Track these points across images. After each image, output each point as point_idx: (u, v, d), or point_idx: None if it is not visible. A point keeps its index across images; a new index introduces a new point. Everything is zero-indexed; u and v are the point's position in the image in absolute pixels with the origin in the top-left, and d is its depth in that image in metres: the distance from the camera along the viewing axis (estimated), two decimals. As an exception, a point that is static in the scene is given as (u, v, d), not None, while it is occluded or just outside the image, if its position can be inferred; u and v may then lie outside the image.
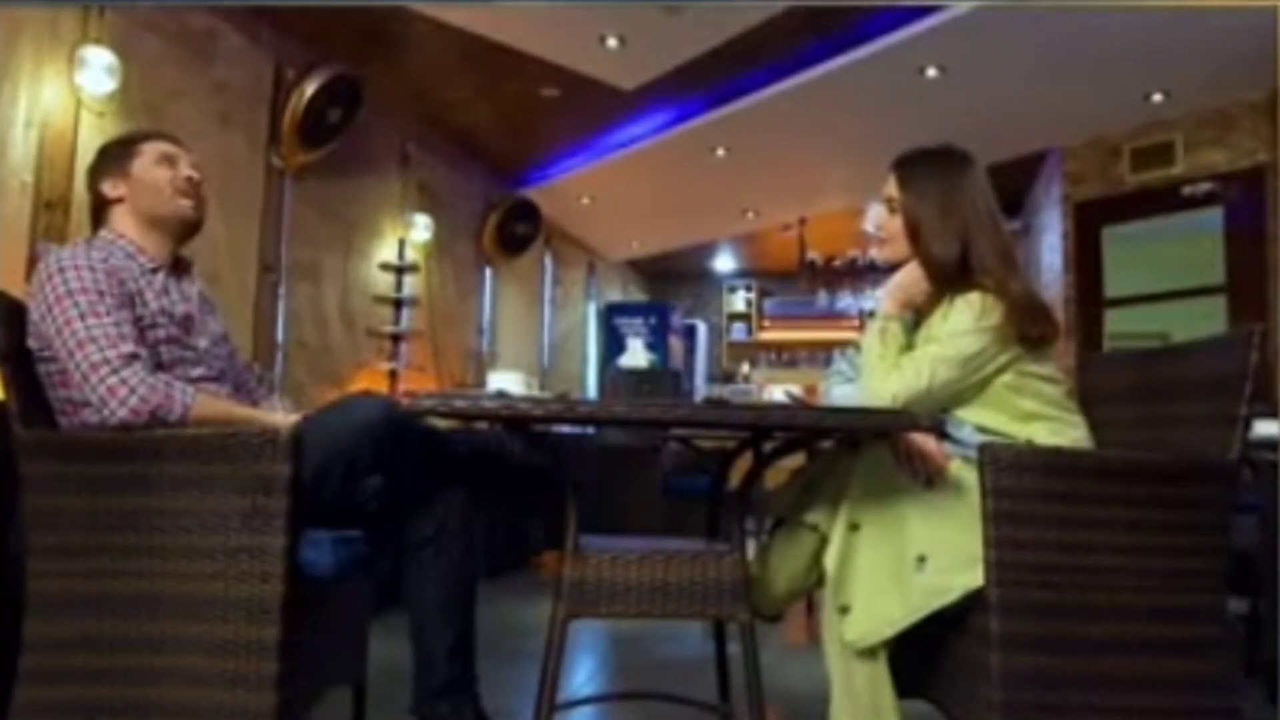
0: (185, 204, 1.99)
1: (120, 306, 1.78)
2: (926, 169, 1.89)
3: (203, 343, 1.97)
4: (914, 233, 1.85)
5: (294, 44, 4.59)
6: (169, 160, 1.99)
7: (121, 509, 1.55)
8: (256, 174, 4.45)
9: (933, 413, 1.69)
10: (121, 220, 1.96)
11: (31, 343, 1.76)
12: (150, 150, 1.98)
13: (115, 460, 1.57)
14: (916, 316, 1.90)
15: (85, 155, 3.46)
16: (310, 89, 4.41)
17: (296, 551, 1.53)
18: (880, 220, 1.93)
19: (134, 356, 1.72)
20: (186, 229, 2.02)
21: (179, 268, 2.03)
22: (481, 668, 1.99)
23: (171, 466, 1.54)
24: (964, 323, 1.74)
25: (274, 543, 1.48)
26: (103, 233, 1.96)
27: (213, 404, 1.81)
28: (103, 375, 1.68)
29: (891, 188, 1.90)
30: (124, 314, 1.78)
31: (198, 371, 1.91)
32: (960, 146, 1.92)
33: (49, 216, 3.33)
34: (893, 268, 1.93)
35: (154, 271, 1.94)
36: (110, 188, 1.97)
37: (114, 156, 2.00)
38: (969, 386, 1.75)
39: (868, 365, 1.82)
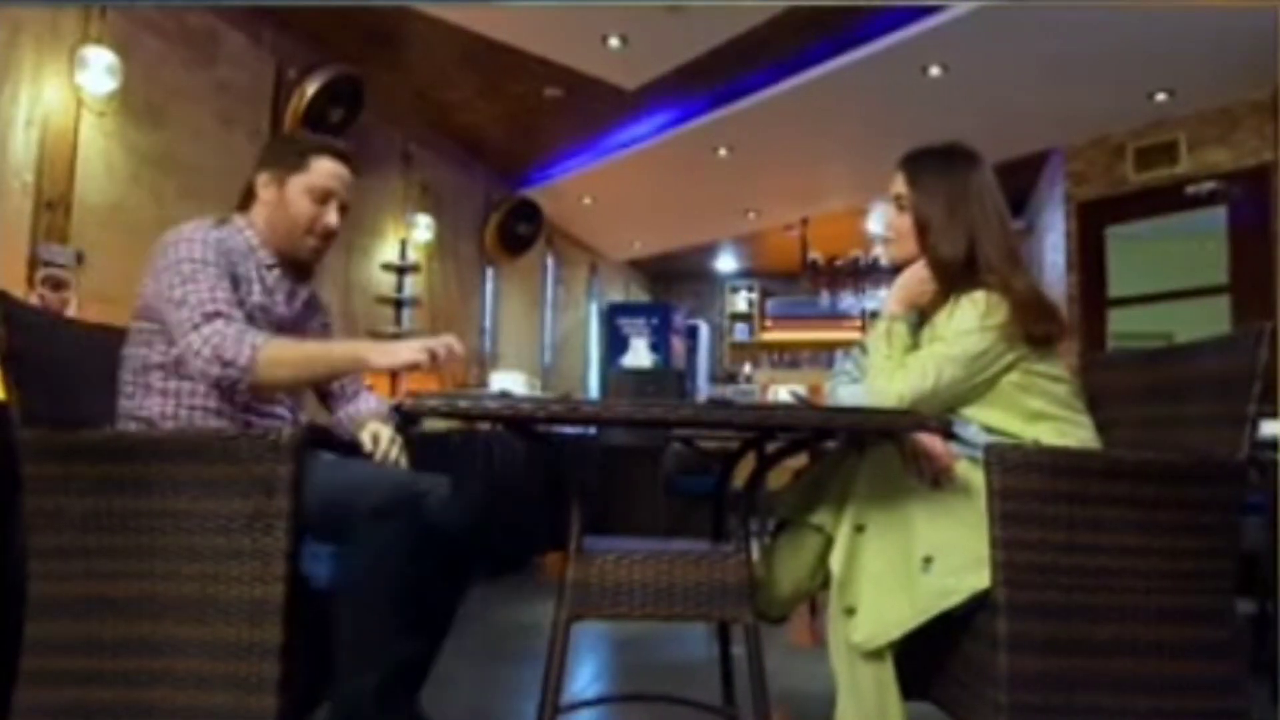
0: (309, 245, 1.97)
1: (221, 278, 1.79)
2: (934, 166, 1.87)
3: None
4: (922, 230, 1.84)
5: (295, 44, 4.59)
6: (322, 198, 1.95)
7: (123, 510, 1.54)
8: (258, 174, 4.44)
9: (939, 412, 1.69)
10: (258, 213, 1.97)
11: (136, 322, 1.81)
12: (314, 174, 1.95)
13: (117, 461, 1.56)
14: (921, 316, 1.89)
15: (86, 155, 3.47)
16: (311, 89, 4.41)
17: (299, 553, 1.52)
18: (889, 219, 1.92)
19: (214, 315, 1.71)
20: (297, 266, 2.01)
21: (298, 270, 2.02)
22: (485, 669, 1.98)
23: (173, 467, 1.53)
24: (969, 321, 1.73)
25: (276, 544, 1.47)
26: (236, 218, 1.97)
27: (285, 345, 1.78)
28: (185, 333, 1.70)
29: (900, 185, 1.89)
30: (224, 283, 1.79)
31: None
32: (967, 144, 1.91)
33: (50, 216, 3.32)
34: (899, 268, 1.92)
35: (269, 268, 1.94)
36: (263, 185, 1.96)
37: (284, 156, 1.97)
38: (975, 386, 1.74)
39: (873, 365, 1.81)
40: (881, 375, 1.76)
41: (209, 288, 1.75)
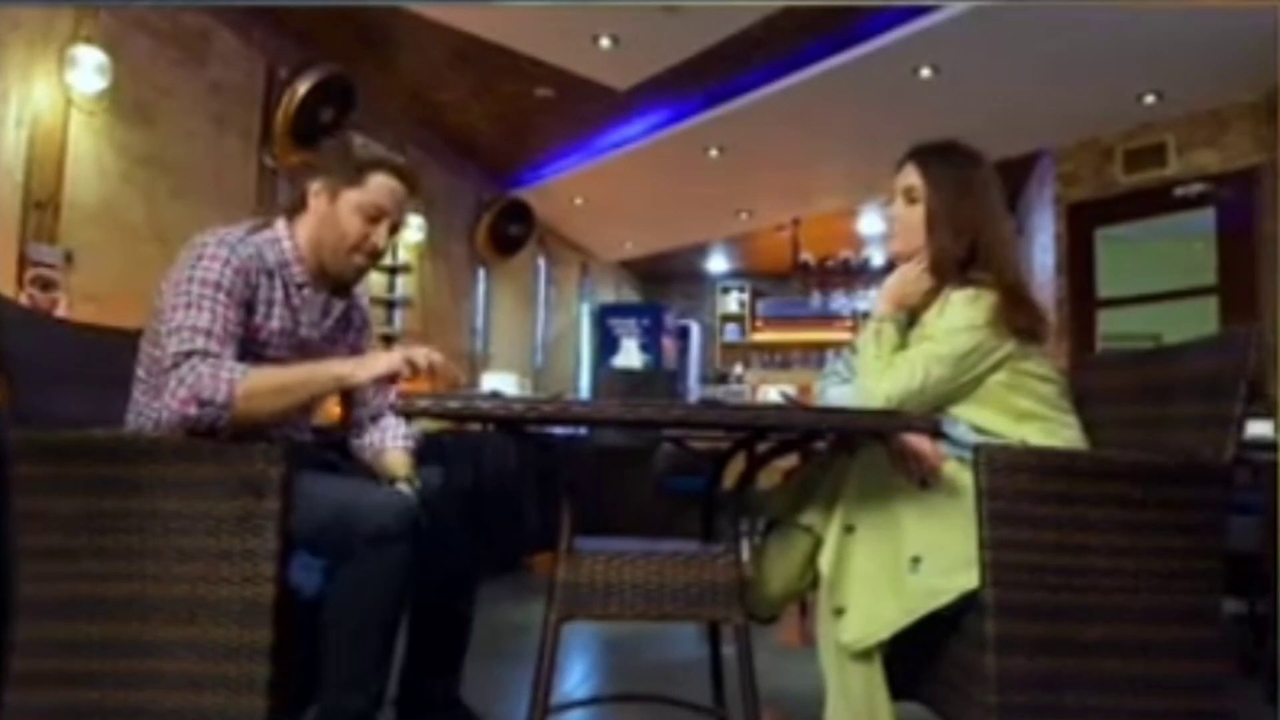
0: (353, 263, 1.91)
1: (229, 306, 1.72)
2: (944, 159, 1.89)
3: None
4: (932, 222, 1.85)
5: (286, 43, 4.58)
6: (373, 218, 1.88)
7: (114, 511, 1.54)
8: (249, 173, 4.43)
9: (927, 411, 1.69)
10: (304, 223, 1.90)
11: (153, 320, 1.76)
12: (369, 190, 1.87)
13: (107, 462, 1.56)
14: (911, 316, 1.90)
15: (75, 155, 3.46)
16: (302, 88, 4.40)
17: (288, 555, 1.52)
18: (896, 212, 1.92)
19: (191, 353, 1.65)
20: (336, 283, 1.95)
21: (336, 286, 1.96)
22: (476, 668, 1.98)
23: (164, 469, 1.53)
24: (959, 320, 1.74)
25: (266, 546, 1.47)
26: (278, 225, 1.90)
27: (263, 374, 1.69)
28: (165, 368, 1.65)
29: (912, 176, 1.88)
30: (230, 313, 1.72)
31: None
32: (967, 143, 1.93)
33: (39, 216, 3.31)
34: (893, 265, 1.93)
35: (300, 287, 1.88)
36: (314, 194, 1.89)
37: (341, 168, 1.89)
38: (963, 385, 1.74)
39: (862, 366, 1.82)
40: (870, 376, 1.77)
41: (209, 318, 1.68)
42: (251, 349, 1.77)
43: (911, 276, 1.85)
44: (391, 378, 1.72)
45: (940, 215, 1.84)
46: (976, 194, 1.84)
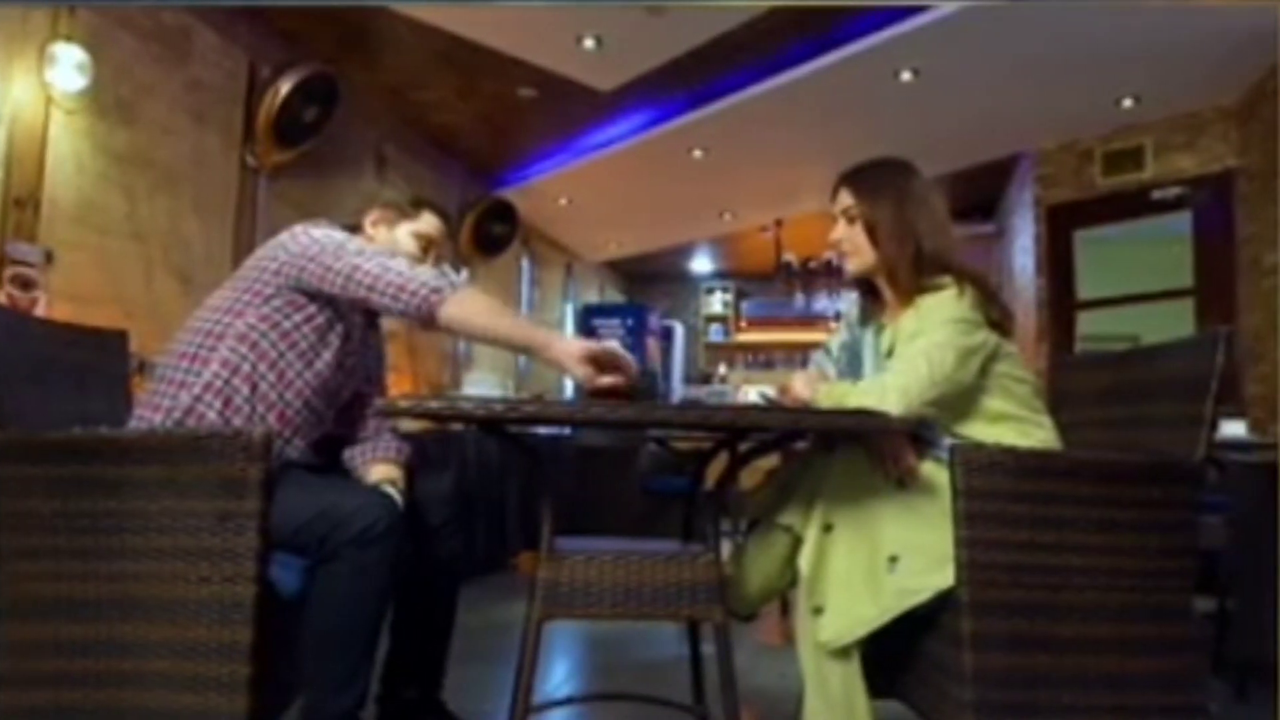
0: None
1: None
2: (874, 175, 1.93)
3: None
4: (873, 234, 1.88)
5: (269, 42, 4.56)
6: (426, 246, 2.16)
7: (93, 511, 1.53)
8: (231, 172, 4.41)
9: (930, 406, 1.70)
10: None
11: (231, 290, 1.89)
12: (424, 223, 2.17)
13: (85, 462, 1.55)
14: (879, 327, 1.93)
15: (55, 153, 3.44)
16: (285, 87, 4.38)
17: (269, 553, 1.52)
18: (840, 234, 1.95)
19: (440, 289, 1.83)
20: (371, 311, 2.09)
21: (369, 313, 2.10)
22: (458, 668, 1.99)
23: (142, 468, 1.52)
24: (941, 314, 1.75)
25: (246, 544, 1.47)
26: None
27: (478, 294, 1.92)
28: (412, 288, 1.82)
29: (846, 198, 1.93)
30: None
31: (301, 401, 1.93)
32: (901, 156, 1.98)
33: (18, 214, 3.29)
34: (864, 280, 1.95)
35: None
36: (371, 223, 2.15)
37: (399, 204, 2.19)
38: (964, 381, 1.73)
39: (861, 397, 1.79)
40: (871, 399, 1.72)
41: (404, 263, 1.88)
42: (300, 325, 1.90)
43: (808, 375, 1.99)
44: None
45: (880, 227, 1.87)
46: (912, 202, 1.87)
